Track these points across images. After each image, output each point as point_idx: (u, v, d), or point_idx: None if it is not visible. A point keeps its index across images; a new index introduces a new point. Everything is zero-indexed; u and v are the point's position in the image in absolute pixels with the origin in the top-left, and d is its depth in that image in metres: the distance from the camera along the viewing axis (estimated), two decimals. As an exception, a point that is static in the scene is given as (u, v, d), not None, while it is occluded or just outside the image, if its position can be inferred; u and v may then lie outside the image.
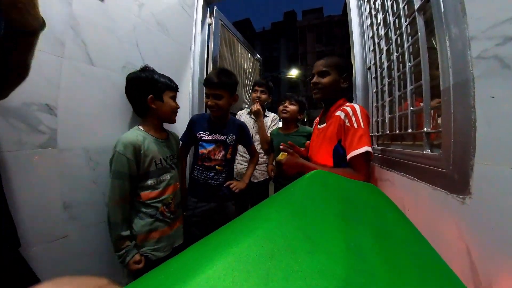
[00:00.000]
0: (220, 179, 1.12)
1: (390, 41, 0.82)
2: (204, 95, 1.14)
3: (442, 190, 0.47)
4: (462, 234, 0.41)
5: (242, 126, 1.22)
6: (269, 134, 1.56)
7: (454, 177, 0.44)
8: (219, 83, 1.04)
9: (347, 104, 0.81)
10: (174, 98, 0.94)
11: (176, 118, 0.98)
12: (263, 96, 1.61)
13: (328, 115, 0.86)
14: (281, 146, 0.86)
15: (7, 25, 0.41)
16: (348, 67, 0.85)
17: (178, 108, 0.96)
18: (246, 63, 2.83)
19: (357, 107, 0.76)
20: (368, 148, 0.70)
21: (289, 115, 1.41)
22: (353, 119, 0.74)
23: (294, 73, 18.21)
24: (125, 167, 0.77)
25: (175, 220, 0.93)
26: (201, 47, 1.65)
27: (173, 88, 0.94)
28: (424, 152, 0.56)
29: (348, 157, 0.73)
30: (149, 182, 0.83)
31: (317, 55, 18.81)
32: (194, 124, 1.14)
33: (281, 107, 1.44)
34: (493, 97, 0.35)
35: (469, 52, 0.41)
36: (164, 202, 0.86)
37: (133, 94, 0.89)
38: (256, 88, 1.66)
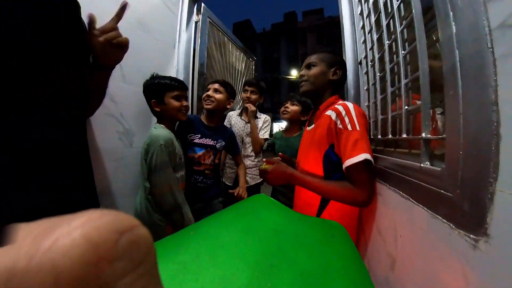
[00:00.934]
0: (208, 182, 1.14)
1: (382, 28, 0.69)
2: (205, 91, 1.20)
3: (444, 221, 0.34)
4: (474, 291, 0.28)
5: (233, 136, 1.28)
6: (261, 136, 1.50)
7: (463, 207, 0.30)
8: (223, 81, 1.18)
9: (340, 102, 0.69)
10: (177, 97, 0.94)
11: None
12: (254, 97, 1.52)
13: (317, 114, 0.76)
14: (278, 157, 0.81)
15: (95, 62, 0.56)
16: (339, 61, 0.75)
17: (184, 105, 0.96)
18: (239, 62, 2.72)
19: (350, 105, 0.65)
20: (367, 156, 0.57)
21: (290, 116, 1.36)
22: (346, 119, 0.62)
23: (294, 74, 18.08)
24: (168, 157, 0.84)
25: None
26: (187, 45, 1.58)
27: (174, 87, 0.93)
28: (422, 165, 0.42)
29: (344, 166, 0.61)
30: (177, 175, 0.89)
31: (318, 56, 18.68)
32: (184, 125, 1.14)
33: (282, 108, 1.40)
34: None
35: (485, 21, 0.27)
36: None
37: (147, 102, 0.96)
38: (246, 88, 1.58)
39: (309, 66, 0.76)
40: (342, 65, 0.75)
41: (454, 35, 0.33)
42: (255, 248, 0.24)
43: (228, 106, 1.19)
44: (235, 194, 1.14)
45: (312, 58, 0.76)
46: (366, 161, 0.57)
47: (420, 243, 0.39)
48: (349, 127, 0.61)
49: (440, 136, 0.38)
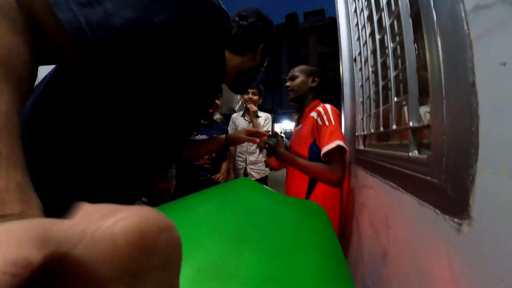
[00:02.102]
0: (208, 175, 1.23)
1: (373, 23, 0.69)
2: None
3: (431, 207, 0.33)
4: (455, 276, 0.27)
5: (226, 130, 1.42)
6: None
7: (447, 191, 0.30)
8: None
9: (321, 105, 0.87)
10: None
11: None
12: (255, 98, 1.67)
13: (303, 116, 0.94)
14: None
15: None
16: (316, 71, 0.95)
17: None
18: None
19: (328, 107, 0.84)
20: (340, 142, 0.73)
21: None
22: (325, 117, 0.80)
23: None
24: None
25: None
26: None
27: None
28: (410, 154, 0.42)
29: (322, 153, 0.77)
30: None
31: (319, 57, 18.67)
32: None
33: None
34: (504, 64, 0.22)
35: (461, 4, 0.27)
36: (166, 194, 1.02)
37: None
38: (248, 90, 1.69)
39: (292, 78, 0.95)
40: (319, 73, 0.94)
41: (435, 22, 0.33)
42: (227, 219, 0.24)
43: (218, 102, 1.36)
44: (215, 180, 1.26)
45: (295, 71, 0.96)
46: (339, 147, 0.74)
47: (409, 232, 0.39)
48: (326, 123, 0.79)
49: (426, 124, 0.38)
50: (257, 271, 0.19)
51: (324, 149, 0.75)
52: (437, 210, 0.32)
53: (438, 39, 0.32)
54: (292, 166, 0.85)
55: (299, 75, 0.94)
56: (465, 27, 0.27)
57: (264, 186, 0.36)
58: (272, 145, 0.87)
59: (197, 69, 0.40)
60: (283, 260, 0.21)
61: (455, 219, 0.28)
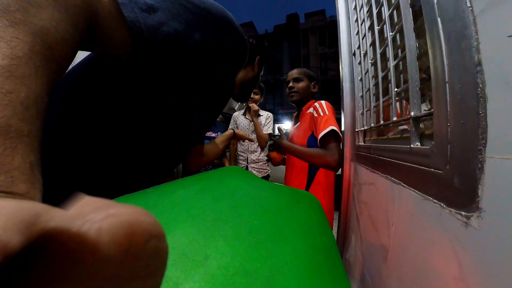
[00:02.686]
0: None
1: (372, 17, 0.67)
2: None
3: (435, 201, 0.31)
4: (462, 273, 0.25)
5: (225, 129, 1.52)
6: (264, 132, 1.64)
7: (453, 183, 0.28)
8: None
9: (317, 102, 0.97)
10: None
11: None
12: (256, 97, 1.67)
13: (301, 114, 1.03)
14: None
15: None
16: (315, 77, 1.04)
17: None
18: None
19: (323, 102, 0.94)
20: (333, 127, 0.83)
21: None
22: (320, 110, 0.91)
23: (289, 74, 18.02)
24: None
25: None
26: None
27: None
28: (412, 145, 0.39)
29: (318, 139, 0.84)
30: None
31: (320, 57, 18.62)
32: None
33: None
34: (511, 36, 0.20)
35: (467, -24, 0.25)
36: None
37: None
38: None
39: (296, 80, 1.02)
40: (317, 79, 1.06)
41: (435, 3, 0.31)
42: (204, 204, 0.22)
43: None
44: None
45: (298, 74, 1.03)
46: (333, 131, 0.83)
47: (412, 228, 0.36)
48: (321, 113, 0.89)
49: (428, 111, 0.35)
50: (230, 261, 0.16)
51: (320, 135, 0.83)
52: (442, 204, 0.30)
53: (439, 19, 0.30)
54: (294, 154, 0.92)
55: (303, 78, 1.02)
56: (468, 2, 0.25)
57: (254, 175, 0.34)
58: (275, 139, 0.97)
59: (212, 80, 0.44)
60: (264, 251, 0.18)
61: (462, 212, 0.26)
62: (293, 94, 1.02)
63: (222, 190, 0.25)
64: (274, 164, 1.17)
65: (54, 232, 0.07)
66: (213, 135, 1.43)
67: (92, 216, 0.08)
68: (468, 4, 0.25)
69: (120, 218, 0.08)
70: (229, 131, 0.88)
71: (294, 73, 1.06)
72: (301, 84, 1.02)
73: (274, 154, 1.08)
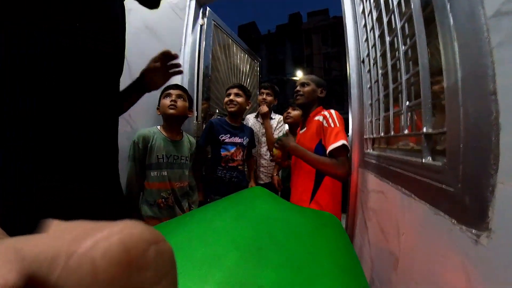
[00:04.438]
0: (240, 177, 1.26)
1: (382, 25, 0.68)
2: (225, 96, 1.32)
3: (446, 216, 0.33)
4: (471, 287, 0.27)
5: (252, 131, 1.44)
6: (275, 136, 1.61)
7: (464, 201, 0.29)
8: (240, 85, 1.35)
9: (325, 110, 0.95)
10: (167, 95, 0.99)
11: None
12: (269, 99, 1.64)
13: (308, 120, 1.02)
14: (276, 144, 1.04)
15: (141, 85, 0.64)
16: (323, 83, 1.04)
17: (172, 99, 0.99)
18: (243, 64, 2.74)
19: (333, 111, 0.92)
20: (344, 142, 0.81)
21: (293, 120, 1.49)
22: (330, 120, 0.89)
23: (300, 75, 17.99)
24: (136, 152, 0.93)
25: (174, 214, 0.99)
26: (192, 48, 1.63)
27: (165, 88, 0.99)
28: (424, 160, 0.41)
29: (328, 151, 0.84)
30: (152, 173, 0.94)
31: (323, 57, 18.54)
32: (213, 127, 1.25)
33: (284, 114, 1.53)
34: (527, 74, 0.21)
35: (481, 10, 0.27)
36: (161, 195, 0.96)
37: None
38: (262, 90, 1.68)
39: (303, 84, 1.02)
40: (325, 86, 1.05)
41: (452, 26, 0.32)
42: (245, 232, 0.24)
43: (247, 107, 1.35)
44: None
45: (305, 79, 1.04)
46: (343, 145, 0.81)
47: (422, 240, 0.38)
48: (332, 125, 0.87)
49: (441, 130, 0.37)
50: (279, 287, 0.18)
51: (331, 147, 0.83)
52: (453, 220, 0.31)
53: (455, 43, 0.32)
54: (301, 157, 0.92)
55: (310, 83, 1.03)
56: (485, 33, 0.26)
57: (276, 195, 0.36)
58: (283, 139, 0.97)
59: None
60: (303, 275, 0.20)
61: (473, 230, 0.27)
62: (298, 97, 1.04)
63: (257, 216, 0.27)
64: (275, 161, 1.17)
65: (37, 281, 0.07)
66: (237, 140, 1.28)
67: (77, 246, 0.08)
68: (486, 35, 0.26)
69: (111, 239, 0.08)
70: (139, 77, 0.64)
71: (302, 78, 1.09)
72: (307, 88, 1.03)
73: (276, 152, 1.09)
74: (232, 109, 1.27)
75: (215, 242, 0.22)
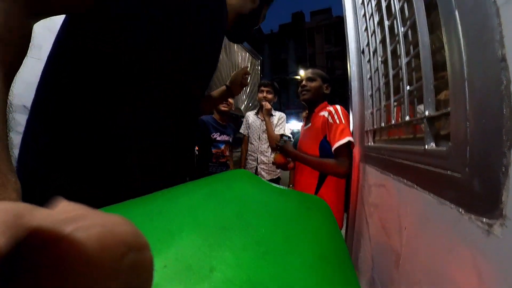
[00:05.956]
0: (227, 170, 1.41)
1: (382, 12, 0.65)
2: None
3: (452, 206, 0.29)
4: (483, 285, 0.23)
5: (235, 129, 1.60)
6: (276, 133, 1.60)
7: (473, 187, 0.26)
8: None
9: (330, 106, 0.96)
10: None
11: None
12: (269, 96, 1.66)
13: (313, 116, 1.02)
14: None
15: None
16: (329, 79, 1.05)
17: None
18: (244, 62, 2.73)
19: (338, 107, 0.92)
20: (350, 138, 0.83)
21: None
22: (335, 116, 0.88)
23: (302, 74, 17.84)
24: None
25: None
26: None
27: None
28: (427, 147, 0.37)
29: (333, 148, 0.85)
30: None
31: (326, 56, 18.40)
32: (205, 125, 1.34)
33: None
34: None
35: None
36: None
37: None
38: (262, 88, 1.70)
39: (310, 79, 1.02)
40: (330, 82, 1.07)
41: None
42: (210, 211, 0.21)
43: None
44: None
45: (312, 74, 1.03)
46: (349, 142, 0.83)
47: (426, 234, 0.35)
48: (337, 121, 0.87)
49: (444, 111, 0.33)
50: (236, 274, 0.15)
51: (336, 145, 0.83)
52: (460, 209, 0.28)
53: (456, 11, 0.28)
54: (303, 163, 0.94)
55: (317, 78, 1.02)
56: (492, -8, 0.23)
57: (261, 179, 0.33)
58: (281, 146, 1.00)
59: (197, 13, 0.37)
60: (273, 262, 0.17)
61: (484, 219, 0.24)
62: (305, 92, 1.02)
63: (229, 195, 0.24)
64: (278, 167, 1.18)
65: (39, 232, 0.07)
66: (226, 138, 1.43)
67: (63, 228, 0.07)
68: (491, -5, 0.23)
69: (90, 231, 0.07)
70: (222, 87, 0.82)
71: (307, 72, 1.06)
72: (313, 84, 1.02)
73: (278, 157, 1.09)
74: (225, 108, 1.44)
75: (174, 219, 0.19)
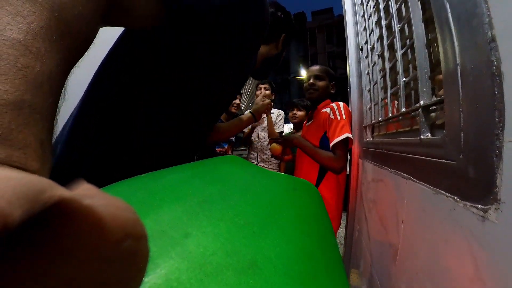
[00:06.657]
0: None
1: (380, 12, 0.64)
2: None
3: (447, 194, 0.28)
4: (479, 273, 0.22)
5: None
6: (276, 130, 1.64)
7: (468, 173, 0.25)
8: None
9: (333, 103, 0.95)
10: None
11: None
12: (267, 92, 1.64)
13: (316, 112, 1.02)
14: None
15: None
16: (335, 78, 1.03)
17: None
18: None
19: (341, 103, 0.92)
20: (349, 135, 0.83)
21: (298, 120, 1.56)
22: (337, 112, 0.88)
23: (304, 74, 17.80)
24: None
25: None
26: None
27: None
28: (422, 136, 0.37)
29: (331, 144, 0.85)
30: None
31: (328, 56, 18.37)
32: None
33: (290, 114, 1.60)
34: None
35: None
36: None
37: None
38: (260, 86, 1.72)
39: (318, 78, 0.98)
40: (337, 80, 1.05)
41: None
42: (194, 187, 0.21)
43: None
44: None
45: (320, 71, 0.99)
46: (347, 138, 0.82)
47: (422, 226, 0.34)
48: (338, 117, 0.87)
49: (438, 98, 0.33)
50: (210, 241, 0.15)
51: (335, 141, 0.82)
52: (455, 197, 0.27)
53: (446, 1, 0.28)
54: (303, 149, 0.94)
55: (325, 77, 0.99)
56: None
57: (252, 164, 0.33)
58: (288, 135, 1.02)
59: (239, 51, 0.42)
60: (249, 233, 0.17)
61: (478, 205, 0.23)
62: (312, 91, 0.98)
63: (215, 175, 0.24)
64: (275, 157, 1.22)
65: (62, 202, 0.07)
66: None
67: (82, 196, 0.07)
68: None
69: (92, 210, 0.07)
70: (248, 114, 0.85)
71: (316, 69, 1.01)
72: (322, 83, 0.98)
73: (274, 147, 1.12)
74: (235, 110, 1.52)
75: (156, 194, 0.19)
